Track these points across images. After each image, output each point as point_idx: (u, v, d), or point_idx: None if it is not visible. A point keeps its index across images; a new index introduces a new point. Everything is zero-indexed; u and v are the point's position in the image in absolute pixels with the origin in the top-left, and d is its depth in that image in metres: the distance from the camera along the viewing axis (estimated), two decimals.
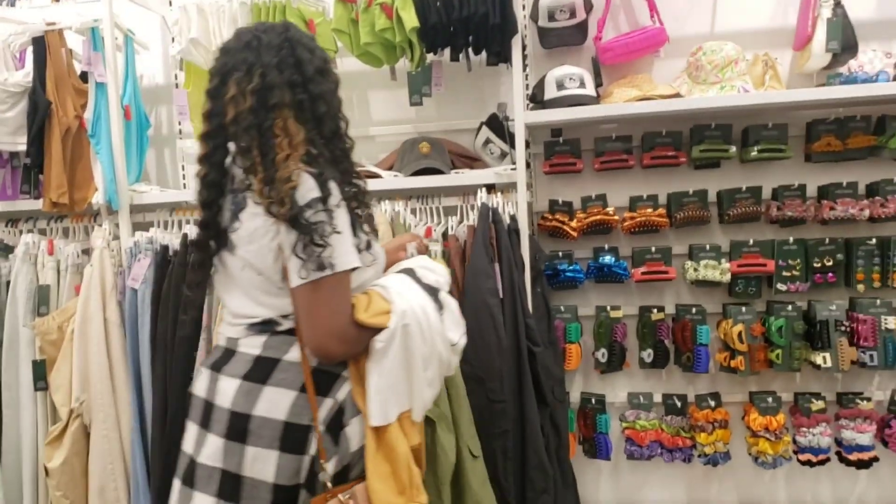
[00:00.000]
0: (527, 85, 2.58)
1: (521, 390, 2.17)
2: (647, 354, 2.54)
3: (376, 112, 2.79)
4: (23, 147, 2.52)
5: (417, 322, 1.48)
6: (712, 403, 2.49)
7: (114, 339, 2.45)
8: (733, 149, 2.44)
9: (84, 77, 2.57)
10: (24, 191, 2.61)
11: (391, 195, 2.45)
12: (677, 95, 2.40)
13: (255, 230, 1.43)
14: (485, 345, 2.15)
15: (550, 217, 2.55)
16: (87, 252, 2.58)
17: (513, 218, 2.33)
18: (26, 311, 2.50)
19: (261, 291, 1.48)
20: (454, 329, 1.59)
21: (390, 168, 2.57)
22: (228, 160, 1.50)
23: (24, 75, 2.52)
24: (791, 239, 2.44)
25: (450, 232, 2.34)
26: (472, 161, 2.59)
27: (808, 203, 2.42)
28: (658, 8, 2.49)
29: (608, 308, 2.54)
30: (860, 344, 2.36)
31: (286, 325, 1.48)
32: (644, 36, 2.45)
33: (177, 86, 2.75)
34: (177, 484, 1.52)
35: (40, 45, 2.50)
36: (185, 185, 2.88)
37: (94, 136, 2.52)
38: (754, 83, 2.39)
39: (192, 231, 2.42)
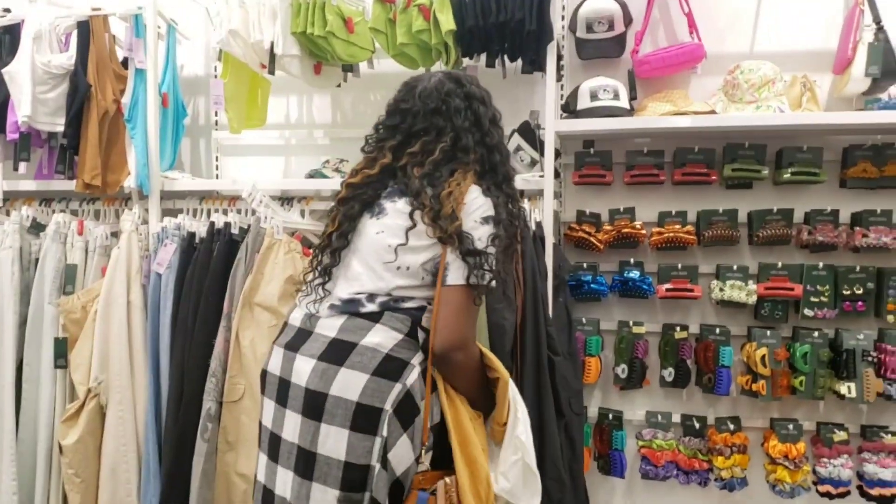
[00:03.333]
0: (561, 95, 2.58)
1: (540, 399, 2.14)
2: (668, 373, 2.50)
3: None
4: (61, 128, 2.56)
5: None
6: (732, 427, 2.45)
7: (135, 322, 2.48)
8: (766, 170, 2.40)
9: (125, 63, 2.62)
10: (58, 171, 2.65)
11: None
12: (712, 113, 2.38)
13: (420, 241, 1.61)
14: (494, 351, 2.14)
15: (577, 228, 2.53)
16: (115, 235, 2.61)
17: (538, 225, 2.32)
18: (52, 289, 2.53)
19: (379, 263, 1.62)
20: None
21: None
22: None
23: (68, 58, 2.56)
24: (821, 264, 2.39)
25: None
26: None
27: (841, 229, 2.38)
28: (697, 24, 2.47)
29: (631, 323, 2.51)
30: (887, 376, 2.29)
31: (369, 307, 1.60)
32: (682, 51, 2.44)
33: (215, 76, 2.79)
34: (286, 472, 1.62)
35: (84, 29, 2.54)
36: (217, 175, 2.91)
37: (131, 121, 2.56)
38: (791, 105, 2.36)
39: (219, 220, 2.44)
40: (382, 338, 1.58)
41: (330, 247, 1.72)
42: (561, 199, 2.60)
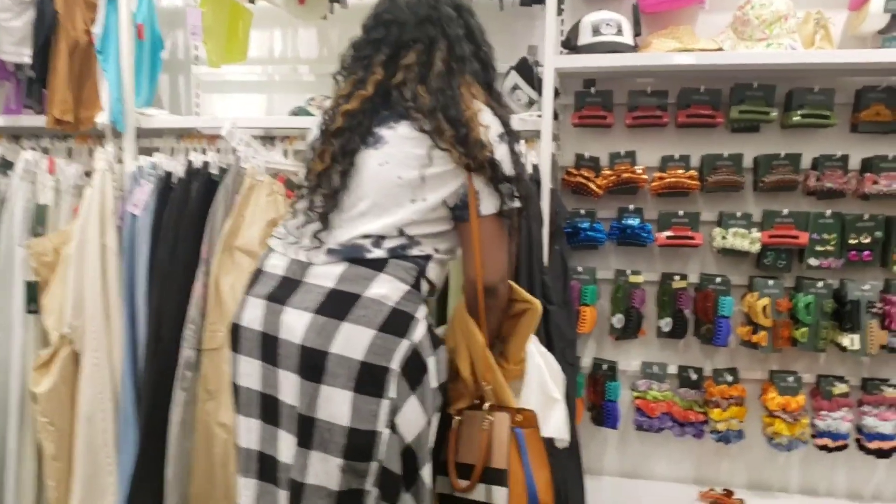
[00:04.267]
0: (561, 31, 2.43)
1: None
2: (666, 323, 2.41)
3: None
4: (28, 59, 2.41)
5: None
6: (730, 379, 2.38)
7: (110, 266, 2.36)
8: (774, 112, 2.28)
9: None
10: (27, 105, 2.50)
11: None
12: (720, 51, 2.25)
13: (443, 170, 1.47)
14: None
15: (575, 172, 2.42)
16: (89, 174, 2.47)
17: (535, 169, 2.20)
18: (22, 231, 2.41)
19: (390, 197, 1.46)
20: None
21: None
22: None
23: None
24: (828, 212, 2.29)
25: None
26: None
27: (850, 175, 2.27)
28: None
29: (628, 272, 2.41)
30: (891, 328, 2.22)
31: (376, 253, 1.45)
32: None
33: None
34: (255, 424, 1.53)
35: None
36: (197, 112, 2.77)
37: (102, 53, 2.41)
38: (804, 43, 2.23)
39: (197, 159, 2.31)
40: (388, 289, 1.43)
41: (323, 189, 1.51)
42: (559, 143, 2.47)
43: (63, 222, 2.44)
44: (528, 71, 2.42)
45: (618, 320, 2.42)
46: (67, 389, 2.34)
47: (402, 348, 1.40)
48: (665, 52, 2.24)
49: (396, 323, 1.41)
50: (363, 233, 1.46)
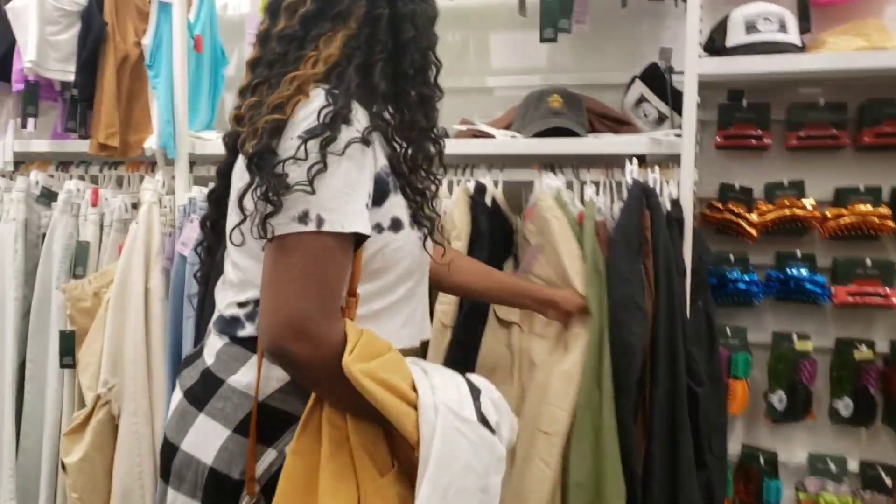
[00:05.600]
0: (699, 31, 1.94)
1: (676, 445, 1.55)
2: (844, 405, 1.85)
3: (497, 58, 2.21)
4: (73, 76, 2.12)
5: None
6: None
7: (154, 315, 2.01)
8: None
9: None
10: (69, 128, 2.19)
11: (505, 161, 1.88)
12: None
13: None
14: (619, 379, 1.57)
15: (721, 207, 1.91)
16: (137, 206, 2.14)
17: (675, 203, 1.70)
18: (61, 272, 2.11)
19: (241, 251, 1.06)
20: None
21: (507, 128, 1.99)
22: None
23: None
24: None
25: (597, 217, 1.71)
26: (617, 125, 1.97)
27: None
28: None
29: (793, 337, 1.87)
30: None
31: (249, 329, 1.05)
32: None
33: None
34: None
35: None
36: None
37: (153, 68, 2.09)
38: None
39: None
40: (255, 377, 1.02)
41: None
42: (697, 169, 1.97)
43: (106, 262, 2.12)
44: (658, 80, 1.95)
45: (778, 399, 1.88)
46: (102, 460, 1.99)
47: (266, 461, 1.02)
48: (849, 52, 1.71)
49: (261, 425, 1.02)
50: (236, 300, 1.08)
